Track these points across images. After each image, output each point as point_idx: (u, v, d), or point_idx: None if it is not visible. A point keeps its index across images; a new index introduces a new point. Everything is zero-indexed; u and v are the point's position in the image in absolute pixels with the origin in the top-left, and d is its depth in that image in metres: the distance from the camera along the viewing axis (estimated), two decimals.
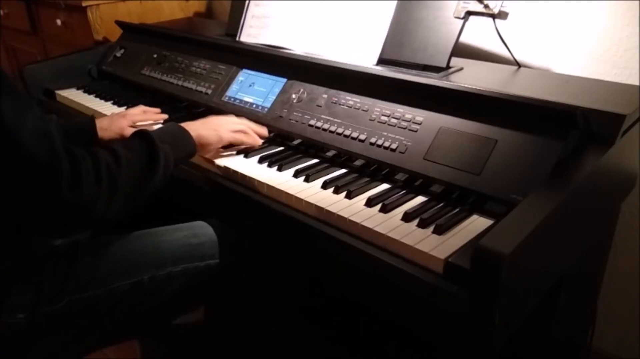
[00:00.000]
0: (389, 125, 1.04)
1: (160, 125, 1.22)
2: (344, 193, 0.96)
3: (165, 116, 1.32)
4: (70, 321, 0.91)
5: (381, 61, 1.21)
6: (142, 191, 0.89)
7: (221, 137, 1.11)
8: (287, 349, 1.46)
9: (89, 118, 1.23)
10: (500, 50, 1.33)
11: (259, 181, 1.02)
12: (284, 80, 1.26)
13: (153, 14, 1.99)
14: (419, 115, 1.02)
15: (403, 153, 1.00)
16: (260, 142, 1.17)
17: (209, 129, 1.09)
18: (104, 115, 1.41)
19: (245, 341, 1.13)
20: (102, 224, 0.83)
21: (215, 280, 1.05)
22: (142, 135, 0.94)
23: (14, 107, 0.74)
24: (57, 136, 0.78)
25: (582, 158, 0.86)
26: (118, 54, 1.70)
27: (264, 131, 1.19)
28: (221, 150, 1.15)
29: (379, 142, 1.03)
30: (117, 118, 1.25)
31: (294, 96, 1.21)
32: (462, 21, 1.12)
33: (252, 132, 1.17)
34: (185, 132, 1.04)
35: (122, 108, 1.46)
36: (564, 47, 1.30)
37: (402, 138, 1.02)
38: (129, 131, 1.20)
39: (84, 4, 1.78)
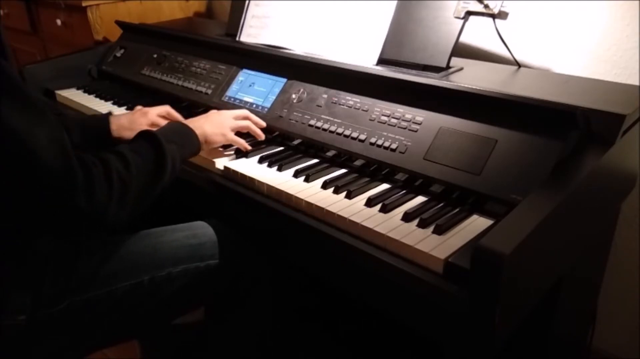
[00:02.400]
0: (389, 125, 1.04)
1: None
2: (344, 193, 0.96)
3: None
4: (70, 323, 0.91)
5: (381, 61, 1.21)
6: (150, 196, 0.89)
7: (225, 136, 1.11)
8: (287, 350, 1.46)
9: (104, 116, 1.18)
10: (500, 50, 1.33)
11: (259, 182, 1.02)
12: (284, 80, 1.26)
13: (153, 14, 1.99)
14: (419, 115, 1.02)
15: (403, 153, 1.00)
16: (263, 136, 1.17)
17: (213, 127, 1.09)
18: None
19: (246, 341, 1.13)
20: (110, 229, 0.84)
21: (215, 280, 1.05)
22: (148, 137, 0.94)
23: (29, 121, 0.74)
24: (69, 145, 0.77)
25: (582, 158, 0.86)
26: (118, 54, 1.70)
27: (262, 123, 1.19)
28: (221, 149, 1.16)
29: (379, 142, 1.03)
30: (138, 117, 1.18)
31: (294, 96, 1.21)
32: (462, 21, 1.12)
33: (254, 127, 1.17)
34: (191, 131, 1.04)
35: (123, 109, 1.46)
36: (564, 47, 1.30)
37: (402, 138, 1.02)
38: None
39: (84, 4, 1.78)
